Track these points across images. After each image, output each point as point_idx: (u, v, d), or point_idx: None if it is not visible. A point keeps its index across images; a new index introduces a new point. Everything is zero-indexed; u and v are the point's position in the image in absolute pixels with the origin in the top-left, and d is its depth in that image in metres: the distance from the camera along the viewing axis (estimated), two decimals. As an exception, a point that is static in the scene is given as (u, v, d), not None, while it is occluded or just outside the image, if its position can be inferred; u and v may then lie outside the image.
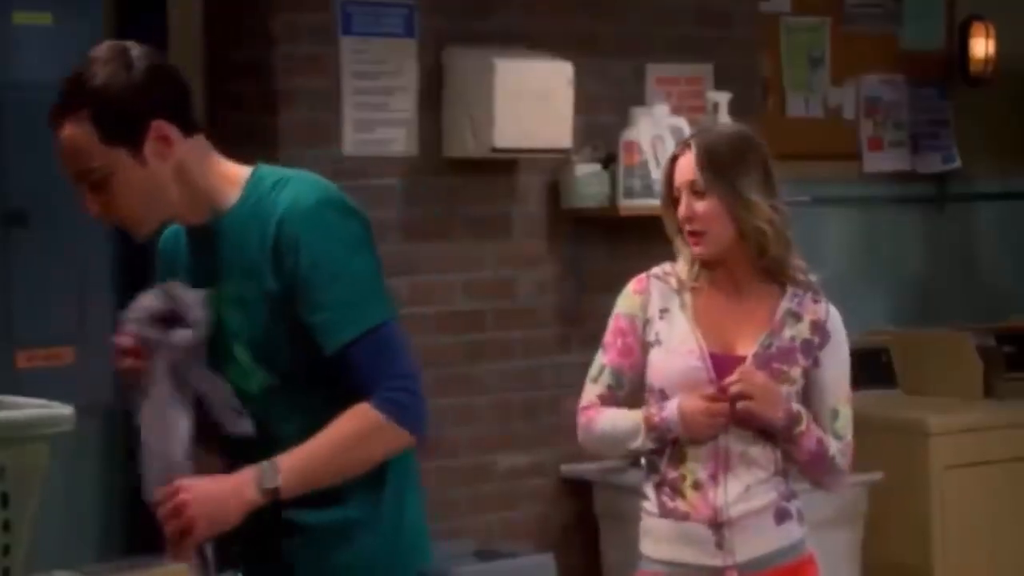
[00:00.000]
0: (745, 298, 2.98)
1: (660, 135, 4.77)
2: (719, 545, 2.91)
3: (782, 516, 2.95)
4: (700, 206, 2.94)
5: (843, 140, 5.84)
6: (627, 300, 3.02)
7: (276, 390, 2.38)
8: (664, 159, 4.76)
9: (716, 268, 2.98)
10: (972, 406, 5.34)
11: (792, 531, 2.96)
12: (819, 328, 2.98)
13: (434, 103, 4.56)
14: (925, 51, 6.05)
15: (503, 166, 4.68)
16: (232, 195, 2.40)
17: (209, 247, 2.41)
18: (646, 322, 2.98)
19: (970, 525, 5.08)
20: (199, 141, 2.40)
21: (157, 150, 2.34)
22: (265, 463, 2.31)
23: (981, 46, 6.10)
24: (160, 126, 2.34)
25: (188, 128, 2.38)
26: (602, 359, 3.03)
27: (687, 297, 2.97)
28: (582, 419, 3.04)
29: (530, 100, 4.49)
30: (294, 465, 2.31)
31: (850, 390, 3.02)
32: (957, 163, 6.04)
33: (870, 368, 5.44)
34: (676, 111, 4.90)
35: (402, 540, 2.46)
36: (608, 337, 3.03)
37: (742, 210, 2.93)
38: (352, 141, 4.43)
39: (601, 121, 4.83)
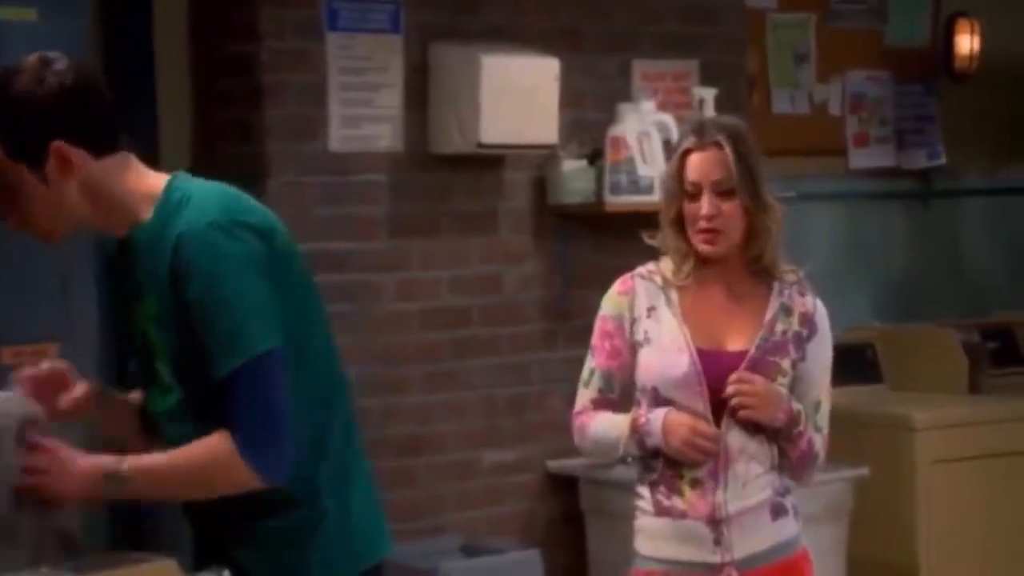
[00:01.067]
0: (735, 294, 2.98)
1: (646, 131, 4.77)
2: (717, 542, 2.91)
3: (778, 512, 2.96)
4: (728, 206, 2.92)
5: (829, 136, 5.84)
6: (612, 301, 3.01)
7: (190, 409, 2.40)
8: (649, 155, 4.79)
9: (712, 266, 2.98)
10: (957, 401, 5.36)
11: (788, 526, 2.97)
12: (808, 321, 2.99)
13: (420, 99, 4.55)
14: (910, 47, 6.06)
15: (489, 162, 4.68)
16: (146, 211, 2.40)
17: (128, 261, 2.43)
18: (633, 321, 2.97)
19: (955, 520, 5.09)
20: (115, 159, 2.39)
21: (58, 173, 2.34)
22: (113, 464, 2.35)
23: (966, 42, 6.11)
24: (60, 148, 2.34)
25: (99, 149, 2.36)
26: (591, 363, 3.02)
27: (674, 295, 2.96)
28: (576, 424, 3.04)
29: (516, 96, 4.49)
30: (135, 476, 2.35)
31: (830, 384, 3.03)
32: (942, 159, 6.05)
33: (856, 364, 5.45)
34: (662, 107, 4.90)
35: (348, 538, 2.45)
36: (595, 340, 3.02)
37: (760, 212, 2.94)
38: (338, 137, 4.42)
39: (587, 117, 4.83)
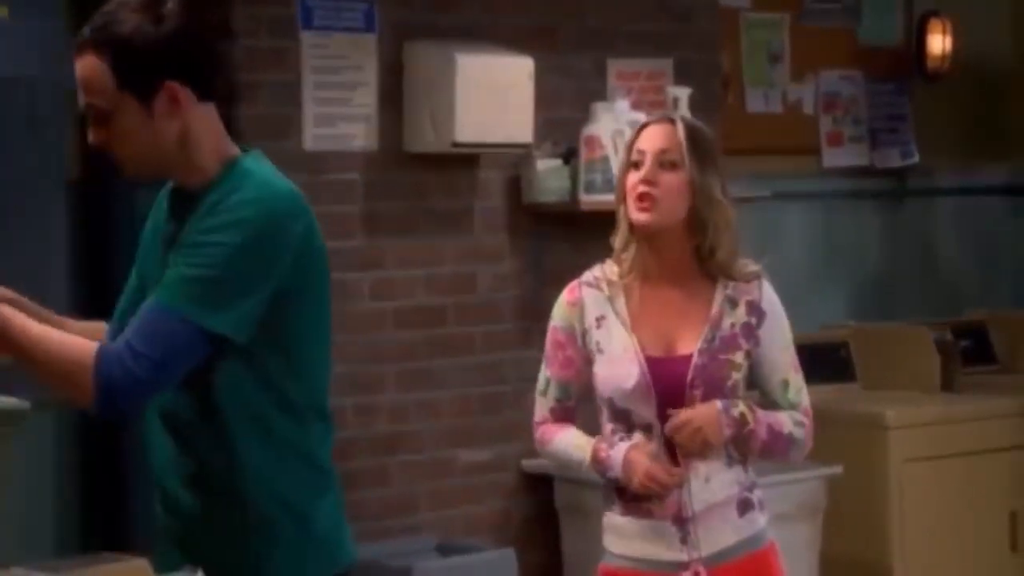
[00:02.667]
0: (680, 293, 2.96)
1: (621, 130, 4.77)
2: (684, 540, 2.92)
3: (745, 507, 2.97)
4: (668, 177, 2.91)
5: (802, 135, 5.86)
6: (562, 311, 3.02)
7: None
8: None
9: (648, 252, 2.94)
10: (930, 400, 5.38)
11: (755, 521, 2.98)
12: (754, 308, 2.98)
13: (395, 98, 4.55)
14: (883, 47, 6.08)
15: (464, 161, 4.68)
16: (216, 170, 2.41)
17: (180, 214, 2.42)
18: (584, 332, 2.98)
19: (928, 518, 5.11)
20: (210, 110, 2.41)
21: (166, 109, 2.36)
22: None
23: (938, 42, 6.14)
24: (173, 87, 2.36)
25: (204, 93, 2.40)
26: (546, 372, 3.05)
27: (621, 302, 2.95)
28: (537, 434, 3.07)
29: (491, 95, 4.49)
30: (6, 334, 2.30)
31: (796, 358, 3.02)
32: (915, 158, 6.08)
33: (829, 362, 5.47)
34: (637, 106, 4.91)
35: (322, 545, 2.44)
36: (548, 350, 3.04)
37: (705, 201, 2.92)
38: (313, 136, 4.41)
39: (562, 116, 4.83)
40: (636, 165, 2.94)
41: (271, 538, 2.39)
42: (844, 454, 4.92)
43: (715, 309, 2.95)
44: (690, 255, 2.96)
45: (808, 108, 5.88)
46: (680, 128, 2.93)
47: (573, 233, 4.83)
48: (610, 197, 4.70)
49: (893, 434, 5.09)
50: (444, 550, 4.50)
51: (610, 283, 2.97)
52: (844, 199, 6.00)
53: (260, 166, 2.43)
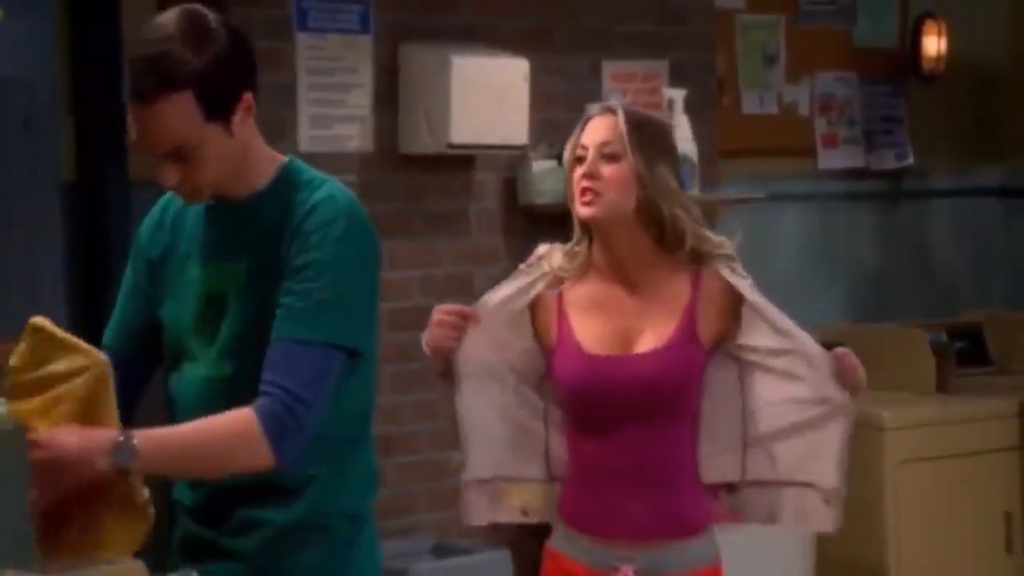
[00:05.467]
0: (648, 289, 2.85)
1: (616, 132, 4.78)
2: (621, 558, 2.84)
3: (686, 525, 2.86)
4: (610, 170, 2.81)
5: (798, 137, 5.87)
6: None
7: (238, 384, 2.33)
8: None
9: (602, 250, 2.84)
10: (925, 401, 5.38)
11: (696, 542, 2.86)
12: (729, 293, 2.88)
13: (390, 100, 4.55)
14: (878, 48, 6.09)
15: (459, 162, 4.68)
16: (264, 177, 2.38)
17: (229, 224, 2.38)
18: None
19: (924, 520, 5.12)
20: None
21: (243, 120, 2.34)
22: (121, 438, 2.22)
23: (934, 44, 6.14)
24: (248, 97, 2.35)
25: (255, 93, 2.38)
26: None
27: (572, 297, 2.86)
28: None
29: (486, 97, 4.49)
30: (150, 449, 2.23)
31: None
32: (911, 160, 6.09)
33: (825, 363, 5.46)
34: (632, 108, 4.91)
35: (358, 543, 2.45)
36: None
37: (655, 192, 2.80)
38: (308, 137, 4.41)
39: (557, 117, 4.83)
40: (580, 160, 2.85)
41: (332, 544, 2.40)
42: (840, 455, 4.92)
43: (684, 305, 2.83)
44: (650, 248, 2.84)
45: (804, 110, 5.89)
46: (621, 119, 2.83)
47: (568, 234, 4.82)
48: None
49: (889, 435, 5.09)
50: (440, 551, 4.50)
51: (558, 279, 2.88)
52: (839, 201, 6.00)
53: (315, 171, 2.42)
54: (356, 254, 2.34)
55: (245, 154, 2.36)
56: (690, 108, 4.97)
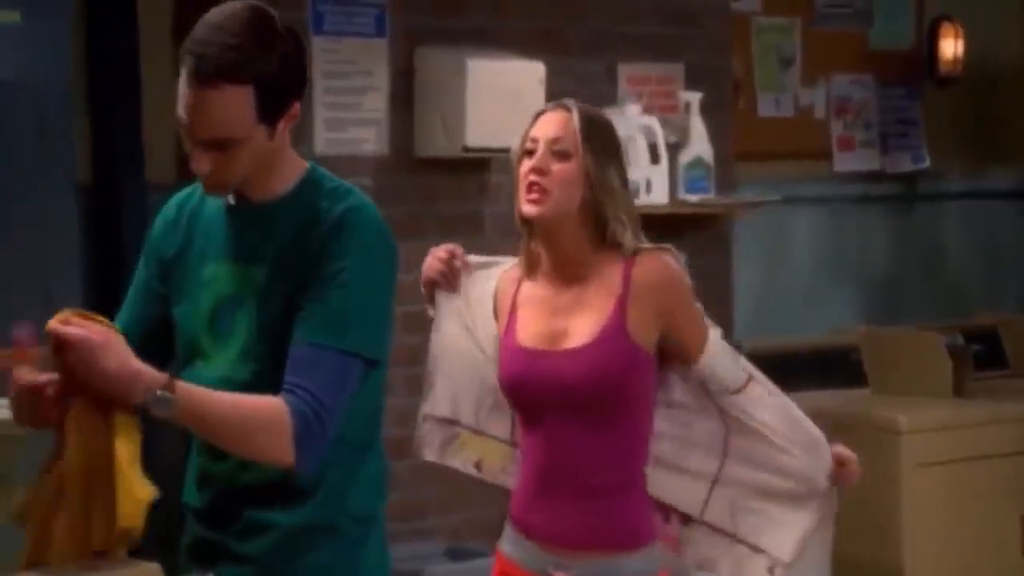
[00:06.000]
0: (578, 288, 2.80)
1: (631, 135, 4.77)
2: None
3: (620, 537, 2.80)
4: (560, 167, 2.76)
5: (814, 140, 5.86)
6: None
7: (258, 384, 2.32)
8: (636, 159, 4.79)
9: (543, 247, 2.81)
10: (942, 404, 5.36)
11: (635, 557, 2.79)
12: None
13: (406, 103, 4.55)
14: (895, 51, 6.08)
15: (475, 165, 4.68)
16: (288, 183, 2.38)
17: (250, 227, 2.38)
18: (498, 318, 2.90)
19: (940, 523, 5.10)
20: None
21: (285, 126, 2.34)
22: (163, 391, 2.19)
23: (950, 46, 6.13)
24: (296, 106, 2.35)
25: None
26: None
27: (518, 290, 2.85)
28: None
29: (501, 100, 4.49)
30: (189, 407, 2.21)
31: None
32: (927, 163, 6.07)
33: (840, 367, 5.45)
34: (648, 111, 4.91)
35: (368, 546, 2.44)
36: None
37: (601, 193, 2.76)
38: (324, 140, 4.42)
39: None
40: (529, 153, 2.80)
41: (341, 546, 2.39)
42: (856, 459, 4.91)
43: (614, 299, 2.76)
44: (589, 246, 2.80)
45: (819, 112, 5.88)
46: (575, 117, 2.78)
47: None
48: (621, 201, 4.75)
49: (905, 439, 5.07)
50: (454, 554, 4.50)
51: (511, 275, 2.88)
52: (855, 203, 5.99)
53: (338, 179, 2.43)
54: (379, 265, 2.35)
55: (275, 158, 2.37)
56: (706, 111, 4.96)
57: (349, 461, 2.39)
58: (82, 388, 2.19)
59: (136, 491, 2.21)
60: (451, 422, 2.99)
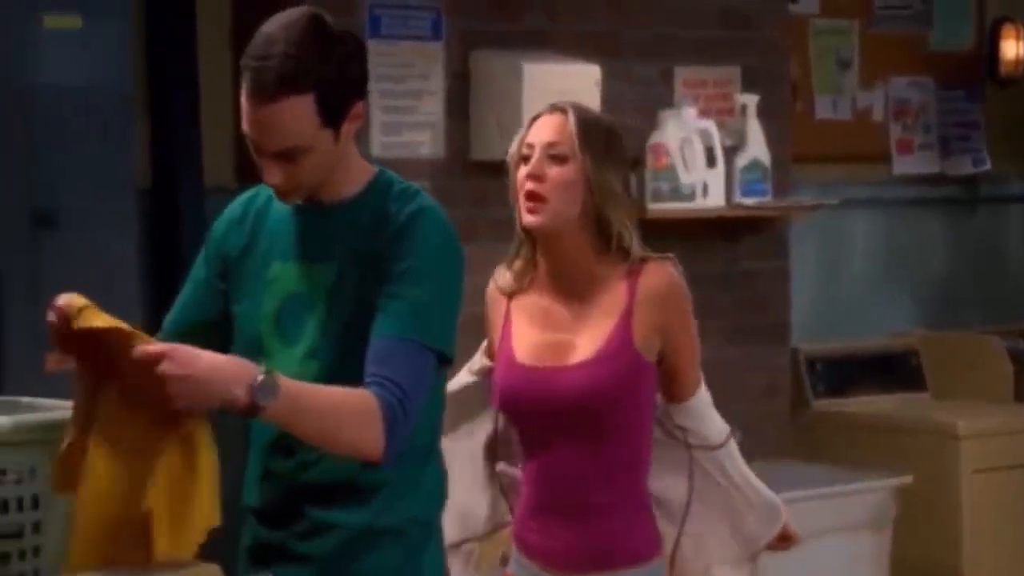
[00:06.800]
0: (581, 302, 2.71)
1: (688, 138, 4.76)
2: None
3: (620, 555, 2.72)
4: (557, 172, 2.66)
5: (872, 142, 5.82)
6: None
7: (317, 380, 2.32)
8: (691, 162, 4.78)
9: (544, 258, 2.72)
10: (1002, 409, 5.32)
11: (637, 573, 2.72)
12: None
13: (462, 106, 4.56)
14: (954, 53, 6.03)
15: (530, 169, 4.68)
16: (357, 185, 2.40)
17: (320, 227, 2.39)
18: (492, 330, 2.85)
19: (999, 529, 5.06)
20: None
21: (350, 129, 2.36)
22: (267, 378, 2.17)
23: (1012, 47, 6.07)
24: (359, 106, 2.37)
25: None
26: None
27: (515, 305, 2.76)
28: None
29: (558, 103, 4.49)
30: (289, 396, 2.19)
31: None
32: (988, 165, 6.01)
33: (899, 371, 5.42)
34: (704, 114, 4.89)
35: (428, 549, 2.44)
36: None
37: (601, 198, 2.65)
38: (380, 144, 4.43)
39: (628, 124, 4.82)
40: (525, 159, 2.70)
41: (404, 548, 2.39)
42: (914, 464, 4.88)
43: (621, 308, 2.66)
44: (593, 256, 2.70)
45: (878, 115, 5.84)
46: (571, 119, 2.67)
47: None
48: (677, 205, 4.73)
49: (964, 444, 5.03)
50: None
51: (506, 286, 2.79)
52: (913, 206, 5.95)
53: (405, 182, 2.45)
54: (450, 265, 2.38)
55: (343, 160, 2.38)
56: (763, 114, 4.94)
57: (413, 464, 2.38)
58: (171, 398, 2.15)
59: (209, 514, 2.20)
60: (460, 543, 2.86)
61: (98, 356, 2.23)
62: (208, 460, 2.22)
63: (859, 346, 5.42)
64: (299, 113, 2.28)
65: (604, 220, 2.67)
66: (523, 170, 2.71)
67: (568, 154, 2.67)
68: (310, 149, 2.31)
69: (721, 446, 2.77)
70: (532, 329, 2.73)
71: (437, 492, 2.47)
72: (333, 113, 2.32)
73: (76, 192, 3.93)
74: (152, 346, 2.17)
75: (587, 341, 2.68)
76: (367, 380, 2.27)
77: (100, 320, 2.20)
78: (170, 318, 2.50)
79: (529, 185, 2.67)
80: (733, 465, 2.78)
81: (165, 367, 2.13)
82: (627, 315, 2.68)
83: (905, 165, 5.91)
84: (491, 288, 2.85)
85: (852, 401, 5.26)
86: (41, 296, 3.88)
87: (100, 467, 2.23)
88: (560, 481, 2.70)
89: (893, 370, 5.40)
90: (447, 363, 2.39)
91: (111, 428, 2.24)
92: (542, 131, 2.71)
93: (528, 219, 2.68)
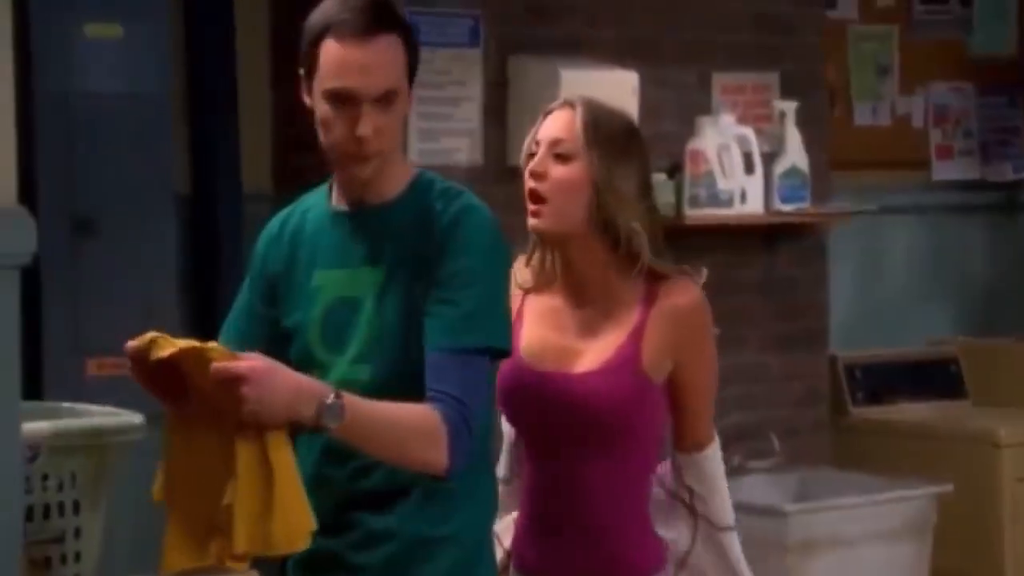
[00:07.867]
0: (592, 309, 2.58)
1: (726, 144, 4.75)
2: None
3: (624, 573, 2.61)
4: (561, 171, 2.52)
5: (911, 149, 5.79)
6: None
7: (376, 385, 2.31)
8: (729, 168, 4.76)
9: (558, 261, 2.58)
10: (1043, 418, 5.28)
11: None
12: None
13: (499, 112, 4.56)
14: (995, 58, 5.99)
15: (568, 175, 4.67)
16: (399, 186, 2.40)
17: (363, 231, 2.39)
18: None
19: (1041, 538, 5.02)
20: None
21: (408, 104, 2.40)
22: (334, 398, 2.17)
23: (1053, 53, 6.04)
24: (412, 88, 2.41)
25: None
26: None
27: (528, 305, 2.62)
28: None
29: (595, 109, 4.49)
30: (356, 417, 2.19)
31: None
32: (1029, 171, 5.98)
33: (939, 379, 5.39)
34: (742, 120, 4.88)
35: (482, 559, 2.43)
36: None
37: (608, 198, 2.51)
38: (418, 150, 4.44)
39: (666, 130, 4.81)
40: (532, 157, 2.57)
41: (460, 558, 2.38)
42: (955, 472, 4.85)
43: (633, 323, 2.52)
44: (605, 261, 2.55)
45: (917, 121, 5.81)
46: (580, 114, 2.51)
47: (677, 247, 4.73)
48: (715, 211, 4.72)
49: (1005, 452, 5.00)
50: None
51: (520, 285, 2.64)
52: (953, 213, 5.91)
53: (448, 182, 2.44)
54: (499, 262, 2.37)
55: (394, 151, 2.39)
56: (801, 120, 4.92)
57: (468, 473, 2.35)
58: (247, 417, 2.16)
59: (305, 519, 2.18)
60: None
61: (179, 378, 2.23)
62: (285, 457, 2.19)
63: (898, 353, 5.39)
64: (393, 53, 2.34)
65: (611, 223, 2.53)
66: (528, 170, 2.59)
67: (573, 152, 2.53)
68: (400, 93, 2.34)
69: (729, 529, 2.61)
70: (540, 329, 2.61)
71: (491, 502, 2.45)
72: (411, 63, 2.38)
73: (116, 199, 3.95)
74: (231, 365, 2.16)
75: (593, 351, 2.56)
76: (429, 396, 2.27)
77: (171, 346, 2.20)
78: (222, 340, 2.45)
79: (530, 183, 2.55)
80: (735, 554, 2.62)
81: (244, 391, 2.14)
82: (638, 331, 2.54)
83: (945, 171, 5.88)
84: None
85: (891, 409, 5.24)
86: (81, 303, 3.92)
87: (185, 467, 2.25)
88: (560, 493, 2.58)
89: (933, 377, 5.36)
90: (502, 355, 2.37)
91: (193, 434, 2.24)
92: (550, 127, 2.57)
93: (530, 221, 2.57)
